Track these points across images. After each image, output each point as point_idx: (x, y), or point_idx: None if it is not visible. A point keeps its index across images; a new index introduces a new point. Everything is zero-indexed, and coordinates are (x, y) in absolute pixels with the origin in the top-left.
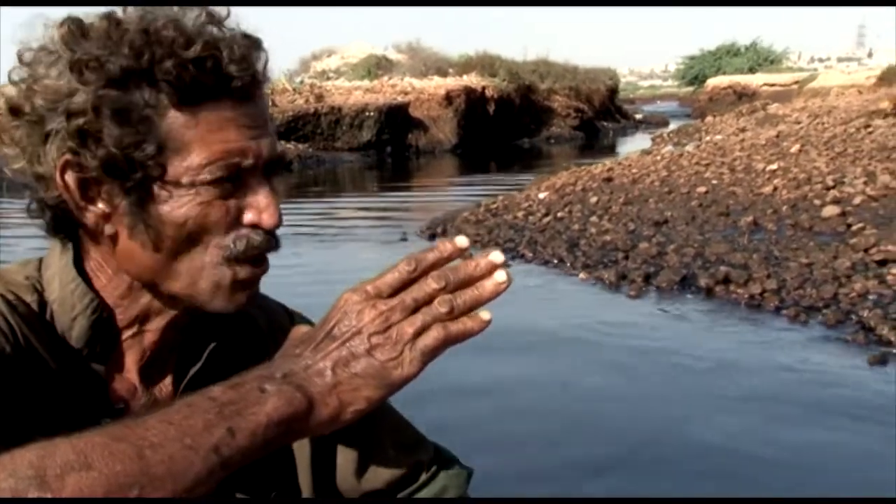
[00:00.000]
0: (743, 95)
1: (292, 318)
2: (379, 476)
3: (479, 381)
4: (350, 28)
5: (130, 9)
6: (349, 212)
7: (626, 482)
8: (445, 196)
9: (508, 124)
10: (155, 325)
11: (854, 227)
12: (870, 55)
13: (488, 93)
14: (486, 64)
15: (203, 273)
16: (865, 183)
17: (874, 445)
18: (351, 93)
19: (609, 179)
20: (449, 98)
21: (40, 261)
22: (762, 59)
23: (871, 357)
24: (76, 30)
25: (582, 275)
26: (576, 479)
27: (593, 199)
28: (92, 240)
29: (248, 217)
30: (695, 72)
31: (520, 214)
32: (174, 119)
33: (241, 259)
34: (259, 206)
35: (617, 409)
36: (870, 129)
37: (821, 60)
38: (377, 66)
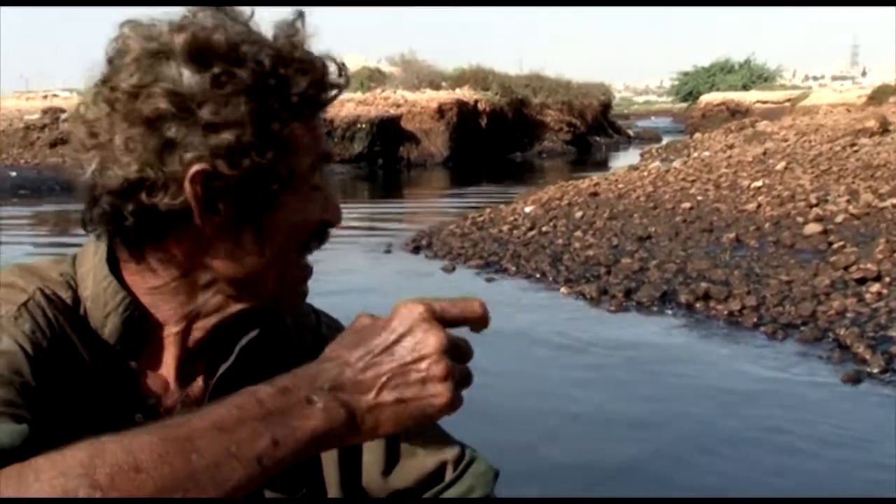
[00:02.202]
0: (736, 112)
1: (319, 317)
2: (406, 475)
3: None
4: (344, 40)
5: (214, 14)
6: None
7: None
8: (434, 209)
9: (500, 138)
10: (204, 324)
11: (835, 245)
12: (864, 74)
13: (480, 106)
14: (478, 78)
15: (287, 274)
16: (848, 201)
17: (845, 463)
18: (343, 105)
19: (595, 194)
20: (441, 111)
21: (74, 258)
22: (756, 76)
23: (846, 375)
24: (202, 40)
25: (563, 289)
26: (547, 483)
27: (578, 214)
28: (161, 246)
29: (323, 215)
30: (689, 88)
31: (505, 228)
32: (296, 130)
33: (307, 251)
34: (332, 207)
35: (589, 421)
36: (855, 148)
37: (815, 78)
38: (370, 79)
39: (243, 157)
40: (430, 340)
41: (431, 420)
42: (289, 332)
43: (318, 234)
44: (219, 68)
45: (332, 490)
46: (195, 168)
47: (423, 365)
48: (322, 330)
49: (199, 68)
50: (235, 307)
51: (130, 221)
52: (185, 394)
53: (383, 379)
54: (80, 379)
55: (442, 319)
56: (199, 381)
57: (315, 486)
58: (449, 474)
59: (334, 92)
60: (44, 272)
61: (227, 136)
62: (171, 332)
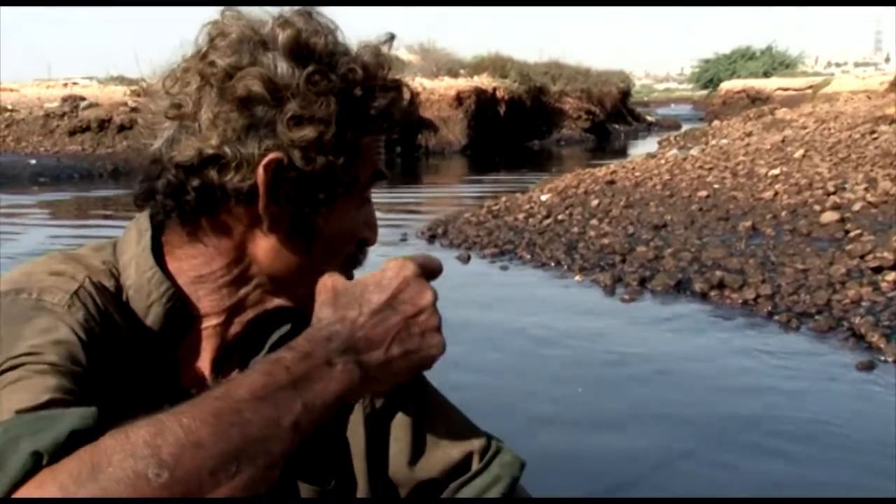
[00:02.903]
0: (757, 99)
1: None
2: (432, 465)
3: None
4: (362, 28)
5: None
6: None
7: (613, 485)
8: (451, 197)
9: (519, 126)
10: (243, 318)
11: (852, 234)
12: (887, 60)
13: (499, 94)
14: (497, 65)
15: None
16: (866, 189)
17: (857, 451)
18: None
19: (612, 182)
20: (459, 99)
21: (114, 245)
22: (777, 63)
23: (860, 363)
24: (303, 39)
25: (578, 277)
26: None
27: (594, 202)
28: (215, 227)
29: (364, 233)
30: (709, 75)
31: (521, 216)
32: (368, 142)
33: (350, 267)
34: (371, 224)
35: (596, 410)
36: (875, 135)
37: (838, 65)
38: None
39: (319, 154)
40: (426, 294)
41: (427, 368)
42: None
43: (357, 251)
44: (314, 67)
45: (361, 481)
46: (272, 155)
47: (422, 318)
48: None
49: (296, 64)
50: (272, 303)
51: (192, 197)
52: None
53: (390, 336)
54: (123, 368)
55: (427, 275)
56: (234, 373)
57: (345, 477)
58: (475, 464)
59: (404, 117)
60: (86, 260)
61: (309, 132)
62: (210, 324)
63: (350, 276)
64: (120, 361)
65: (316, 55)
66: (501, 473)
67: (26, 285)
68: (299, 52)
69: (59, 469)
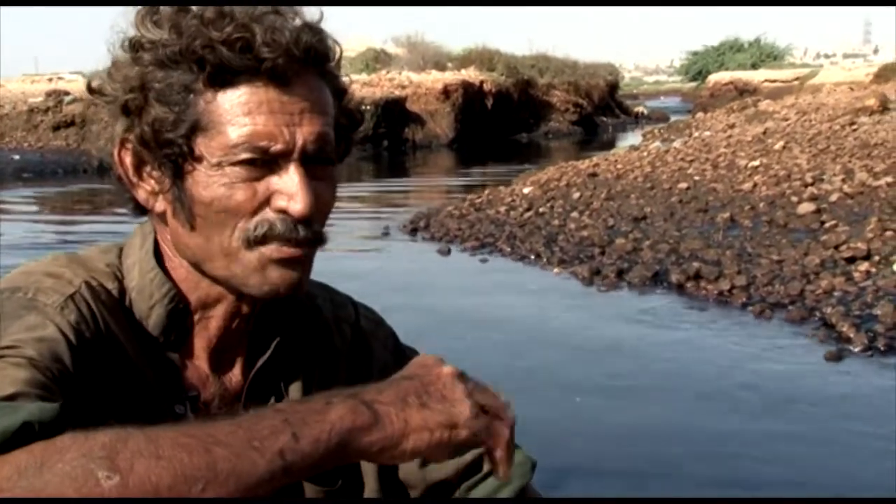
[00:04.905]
0: (744, 91)
1: (357, 309)
2: (444, 466)
3: None
4: (349, 21)
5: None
6: (336, 205)
7: (593, 477)
8: (436, 190)
9: (506, 119)
10: (216, 313)
11: (827, 224)
12: (875, 52)
13: (486, 87)
14: (484, 58)
15: (232, 256)
16: (843, 180)
17: (825, 439)
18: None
19: (594, 175)
20: (446, 92)
21: (121, 248)
22: (765, 55)
23: (828, 353)
24: (147, 14)
25: (556, 270)
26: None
27: (576, 195)
28: (157, 222)
29: (278, 203)
30: (698, 67)
31: (502, 209)
32: (208, 100)
33: (262, 244)
34: (288, 193)
35: (579, 402)
36: (854, 127)
37: (826, 56)
38: (375, 60)
39: (141, 122)
40: (444, 369)
41: (461, 435)
42: (327, 325)
43: (273, 222)
44: (143, 38)
45: (370, 482)
46: (120, 136)
47: (441, 384)
48: (361, 322)
49: (129, 43)
50: (228, 295)
51: (129, 196)
52: (223, 386)
53: (404, 392)
54: (122, 372)
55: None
56: (238, 374)
57: (352, 478)
58: (486, 465)
59: (268, 62)
60: (90, 262)
61: (129, 101)
62: (195, 320)
63: (293, 247)
64: (117, 366)
65: (143, 37)
66: (512, 474)
67: (23, 284)
68: (141, 19)
69: (8, 459)
